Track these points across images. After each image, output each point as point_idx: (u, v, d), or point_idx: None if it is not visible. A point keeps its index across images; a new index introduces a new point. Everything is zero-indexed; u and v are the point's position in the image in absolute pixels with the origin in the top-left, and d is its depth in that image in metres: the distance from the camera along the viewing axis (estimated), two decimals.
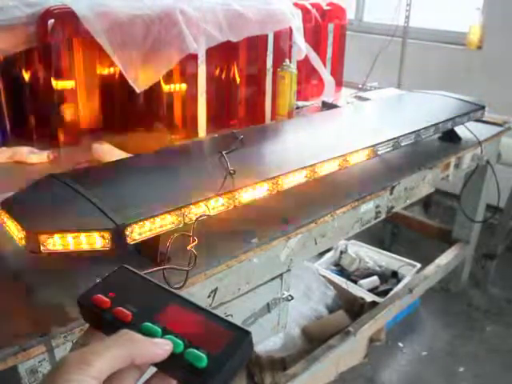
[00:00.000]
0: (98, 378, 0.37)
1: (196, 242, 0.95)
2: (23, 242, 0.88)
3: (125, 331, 0.41)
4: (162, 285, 0.47)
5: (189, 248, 0.94)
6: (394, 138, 1.46)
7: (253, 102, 1.99)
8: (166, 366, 0.41)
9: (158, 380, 0.41)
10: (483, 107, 1.83)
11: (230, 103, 1.94)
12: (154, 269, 0.92)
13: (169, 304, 0.45)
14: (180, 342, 0.41)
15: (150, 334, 0.42)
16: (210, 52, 1.72)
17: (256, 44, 1.90)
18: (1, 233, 0.97)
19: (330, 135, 1.54)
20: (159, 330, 0.42)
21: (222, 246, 1.07)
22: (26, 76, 1.62)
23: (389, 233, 2.83)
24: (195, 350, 0.40)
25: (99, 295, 0.45)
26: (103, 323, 0.44)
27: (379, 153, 1.42)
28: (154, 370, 0.42)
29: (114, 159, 1.37)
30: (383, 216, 1.52)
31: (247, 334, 0.42)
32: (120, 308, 0.44)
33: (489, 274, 2.57)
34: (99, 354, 0.38)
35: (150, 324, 0.42)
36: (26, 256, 0.93)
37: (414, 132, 1.53)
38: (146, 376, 0.42)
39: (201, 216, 0.99)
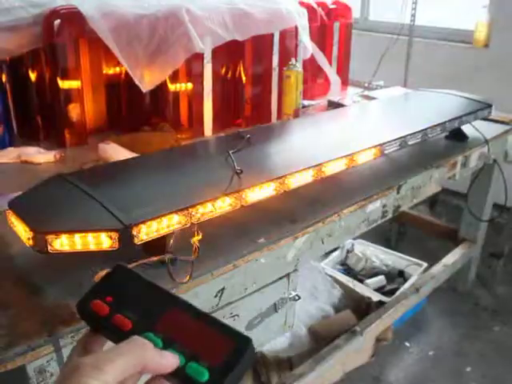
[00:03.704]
0: (110, 383, 0.38)
1: (200, 237, 0.95)
2: (30, 242, 0.88)
3: (136, 338, 0.41)
4: (161, 286, 0.46)
5: (192, 241, 0.94)
6: (401, 137, 1.45)
7: (259, 101, 1.99)
8: (167, 376, 0.41)
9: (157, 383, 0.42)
10: (490, 106, 1.82)
11: (236, 102, 1.94)
12: (156, 258, 0.92)
13: (168, 309, 0.44)
14: (181, 355, 0.41)
15: None
16: (215, 51, 1.72)
17: (262, 43, 1.90)
18: (8, 232, 0.97)
19: (337, 134, 1.54)
20: (160, 340, 0.42)
21: (229, 246, 1.07)
22: (33, 76, 1.63)
23: (395, 232, 2.82)
24: (196, 364, 0.40)
25: (97, 301, 0.44)
26: (103, 330, 0.44)
27: (386, 152, 1.42)
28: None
29: (121, 159, 1.38)
30: (390, 215, 1.51)
31: (248, 341, 0.41)
32: (119, 316, 0.44)
33: (496, 274, 2.55)
34: (112, 360, 0.39)
35: (150, 334, 0.42)
36: (34, 256, 0.93)
37: (421, 131, 1.52)
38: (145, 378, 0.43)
39: (206, 214, 0.98)
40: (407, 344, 2.17)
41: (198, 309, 0.44)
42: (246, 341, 0.41)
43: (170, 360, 0.41)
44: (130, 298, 0.45)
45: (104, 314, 0.44)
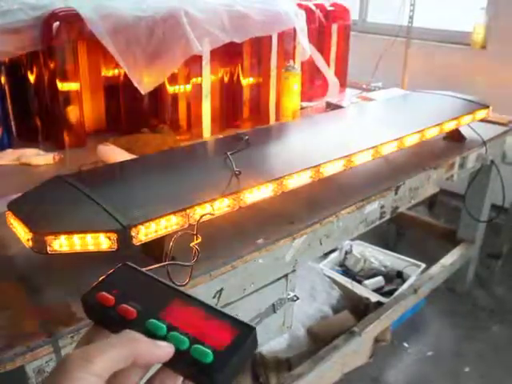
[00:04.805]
0: (99, 375, 0.37)
1: (199, 240, 0.95)
2: (30, 243, 0.88)
3: (128, 331, 0.41)
4: (166, 281, 0.47)
5: (192, 245, 0.94)
6: (399, 138, 1.46)
7: (257, 102, 2.00)
8: (172, 362, 0.41)
9: (164, 376, 0.42)
10: (488, 107, 1.83)
11: (235, 104, 1.95)
12: (157, 265, 0.92)
13: (173, 300, 0.45)
14: (185, 338, 0.41)
15: (154, 331, 0.42)
16: (214, 53, 1.72)
17: (260, 45, 1.90)
18: (8, 234, 0.98)
19: (335, 136, 1.54)
20: (164, 326, 0.42)
21: (228, 247, 1.07)
22: (32, 78, 1.63)
23: (393, 233, 2.83)
24: (201, 346, 0.40)
25: (103, 293, 0.45)
26: (108, 321, 0.44)
27: (384, 153, 1.42)
28: (159, 365, 0.42)
29: (120, 160, 1.38)
30: (388, 216, 1.52)
31: (252, 329, 0.42)
32: (124, 305, 0.44)
33: (494, 274, 2.56)
34: (101, 352, 0.38)
35: (154, 321, 0.43)
36: (33, 256, 0.93)
37: (419, 132, 1.53)
38: (152, 371, 0.43)
39: (205, 214, 0.99)
40: (406, 345, 2.17)
41: (203, 301, 0.45)
42: (250, 328, 0.42)
43: (164, 349, 0.40)
44: (135, 290, 0.46)
45: (109, 305, 0.44)
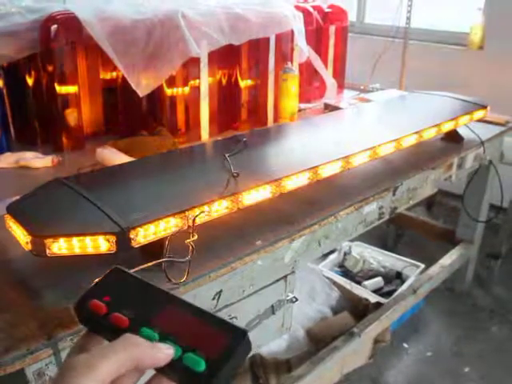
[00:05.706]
0: (103, 381, 0.38)
1: (196, 237, 0.96)
2: (29, 245, 0.88)
3: (129, 335, 0.41)
4: (157, 285, 0.47)
5: (187, 242, 0.95)
6: (397, 139, 1.46)
7: (255, 104, 2.00)
8: (165, 370, 0.41)
9: (157, 382, 0.42)
10: (485, 107, 1.83)
11: (233, 106, 1.95)
12: (154, 262, 0.92)
13: (164, 306, 0.45)
14: (178, 347, 0.41)
15: (147, 339, 0.42)
16: (212, 55, 1.73)
17: (258, 47, 1.90)
18: (7, 237, 0.98)
19: (333, 137, 1.54)
20: (156, 334, 0.42)
21: (226, 249, 1.07)
22: (30, 81, 1.63)
23: (392, 234, 2.83)
24: (193, 355, 0.41)
25: (95, 301, 0.45)
26: (101, 328, 0.44)
27: (382, 154, 1.43)
28: (152, 371, 0.42)
29: (118, 163, 1.38)
30: (386, 217, 1.52)
31: (244, 333, 0.42)
32: (117, 314, 0.44)
33: (493, 274, 2.57)
34: (105, 358, 0.38)
35: (147, 329, 0.43)
36: (32, 259, 0.93)
37: (417, 133, 1.53)
38: (145, 378, 0.43)
39: (201, 212, 0.99)
40: (405, 345, 2.18)
41: (195, 305, 0.45)
42: (242, 333, 0.42)
43: (164, 352, 0.41)
44: (127, 297, 0.46)
45: (102, 313, 0.44)
